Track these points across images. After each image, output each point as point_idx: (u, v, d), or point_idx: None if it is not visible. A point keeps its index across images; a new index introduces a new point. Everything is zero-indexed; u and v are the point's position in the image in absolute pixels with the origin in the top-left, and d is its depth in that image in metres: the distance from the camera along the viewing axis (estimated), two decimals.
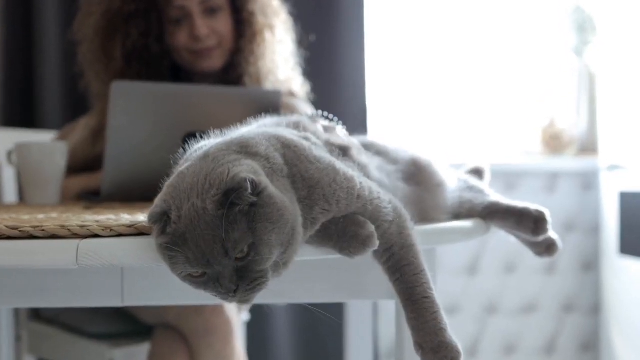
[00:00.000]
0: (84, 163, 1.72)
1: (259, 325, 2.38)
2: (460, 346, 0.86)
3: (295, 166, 0.84)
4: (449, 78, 2.98)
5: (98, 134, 1.69)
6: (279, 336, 2.45)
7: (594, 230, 2.93)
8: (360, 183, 0.88)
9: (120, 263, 0.79)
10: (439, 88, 2.98)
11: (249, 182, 0.74)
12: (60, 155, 1.46)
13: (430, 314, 0.86)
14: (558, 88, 3.05)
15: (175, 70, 1.75)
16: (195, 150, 0.87)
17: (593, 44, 2.99)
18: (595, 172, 2.91)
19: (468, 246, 2.83)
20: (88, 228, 0.81)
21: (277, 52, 1.73)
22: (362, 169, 0.95)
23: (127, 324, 1.74)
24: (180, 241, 0.75)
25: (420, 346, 0.85)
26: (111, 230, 0.81)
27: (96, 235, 0.81)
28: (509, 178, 2.86)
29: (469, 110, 3.00)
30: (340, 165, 0.89)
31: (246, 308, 1.86)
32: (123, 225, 0.82)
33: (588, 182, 2.94)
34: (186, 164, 0.82)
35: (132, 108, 1.37)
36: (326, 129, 1.06)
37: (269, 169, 0.81)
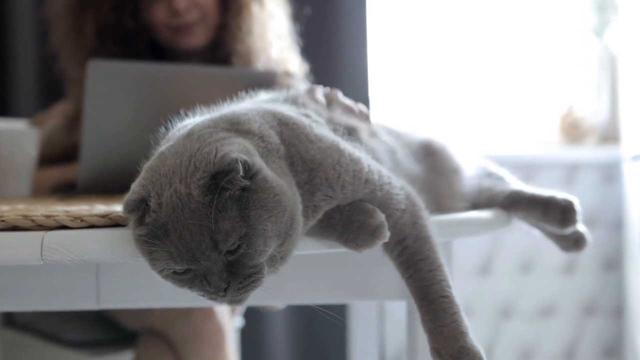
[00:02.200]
0: (59, 153, 1.69)
1: (254, 331, 2.36)
2: (482, 352, 0.83)
3: (294, 146, 0.81)
4: (460, 63, 2.97)
5: (75, 121, 1.65)
6: (276, 343, 2.44)
7: (617, 225, 2.91)
8: (369, 166, 0.85)
9: (92, 258, 0.76)
10: (449, 73, 2.96)
11: (240, 163, 0.70)
12: (31, 143, 1.43)
13: (449, 315, 0.83)
14: (577, 72, 3.05)
15: (158, 49, 1.70)
16: (179, 129, 0.83)
17: (614, 23, 2.98)
18: (618, 162, 2.89)
19: (480, 244, 2.82)
20: (55, 218, 0.78)
21: (269, 28, 1.69)
22: (371, 152, 0.92)
23: (108, 330, 1.71)
24: (161, 233, 0.71)
25: (437, 352, 0.83)
26: (82, 220, 0.78)
27: (64, 227, 0.78)
28: (524, 170, 2.83)
29: (481, 97, 2.99)
30: (345, 145, 0.85)
31: (239, 312, 1.84)
32: (96, 216, 0.79)
33: (610, 173, 2.92)
34: (167, 144, 0.78)
35: (111, 90, 1.34)
36: (327, 97, 1.02)
37: (264, 148, 0.78)
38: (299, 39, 1.77)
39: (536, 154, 2.87)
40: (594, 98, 3.03)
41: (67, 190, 1.49)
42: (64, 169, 1.64)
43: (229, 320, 1.62)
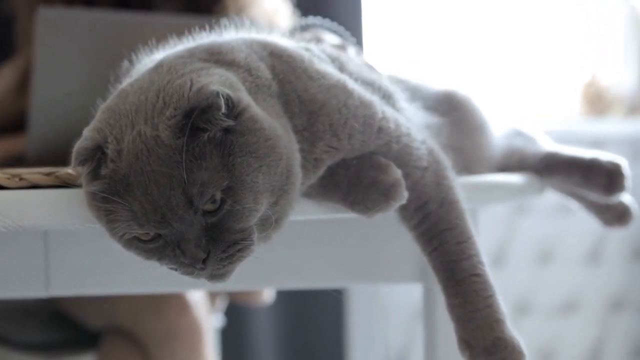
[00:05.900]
0: (8, 122, 1.66)
1: (237, 331, 2.35)
2: (523, 344, 0.82)
3: (289, 82, 0.75)
4: (472, 26, 2.96)
5: (25, 83, 1.61)
6: (262, 344, 2.43)
7: None
8: (383, 112, 0.80)
9: (34, 224, 0.72)
10: (460, 35, 2.95)
11: (222, 98, 0.65)
12: None
13: (483, 298, 0.80)
14: (601, 36, 3.07)
15: None
16: (145, 63, 0.78)
17: None
18: None
19: (493, 230, 2.80)
20: None
21: None
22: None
23: (67, 330, 1.69)
24: (121, 188, 0.66)
25: (467, 344, 0.79)
26: (21, 179, 0.74)
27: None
28: None
29: (496, 65, 2.99)
30: (354, 85, 0.79)
31: (219, 308, 1.81)
32: (38, 174, 0.75)
33: (639, 149, 2.93)
34: (130, 80, 0.73)
35: (65, 44, 1.32)
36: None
37: (252, 83, 0.72)
38: None
39: (556, 128, 2.84)
40: (620, 65, 3.04)
41: (16, 165, 1.43)
42: (12, 140, 1.61)
43: (207, 316, 1.61)
